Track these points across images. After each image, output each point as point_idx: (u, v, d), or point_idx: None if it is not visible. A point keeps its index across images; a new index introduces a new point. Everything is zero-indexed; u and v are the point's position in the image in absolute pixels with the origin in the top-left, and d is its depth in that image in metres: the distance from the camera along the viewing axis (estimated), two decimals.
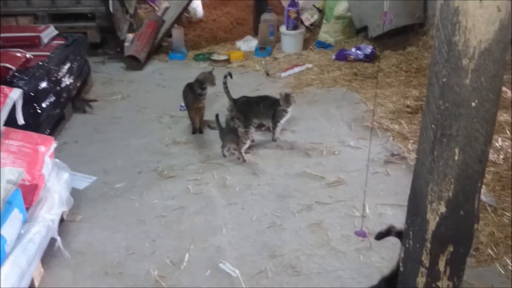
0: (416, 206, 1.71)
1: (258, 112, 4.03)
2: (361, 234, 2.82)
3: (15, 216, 2.23)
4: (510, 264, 2.61)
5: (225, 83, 4.09)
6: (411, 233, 1.74)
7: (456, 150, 1.57)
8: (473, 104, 1.53)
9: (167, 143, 4.04)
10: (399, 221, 3.02)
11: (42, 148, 2.77)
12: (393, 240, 2.80)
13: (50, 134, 3.98)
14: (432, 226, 1.65)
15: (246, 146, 3.71)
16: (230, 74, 4.18)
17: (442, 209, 1.62)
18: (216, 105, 4.35)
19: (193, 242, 2.90)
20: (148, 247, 2.88)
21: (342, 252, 2.80)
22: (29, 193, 2.47)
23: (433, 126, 1.59)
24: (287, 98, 3.85)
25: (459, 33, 1.48)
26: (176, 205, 3.24)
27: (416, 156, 1.75)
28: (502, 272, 2.59)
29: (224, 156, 3.79)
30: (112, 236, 2.97)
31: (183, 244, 2.89)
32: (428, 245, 1.67)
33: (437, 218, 1.63)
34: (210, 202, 3.27)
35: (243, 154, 3.71)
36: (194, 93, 4.06)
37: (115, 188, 3.44)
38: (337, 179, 3.49)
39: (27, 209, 2.46)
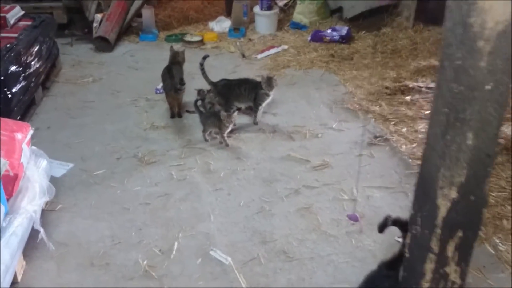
0: (425, 192, 1.68)
1: (239, 95, 3.94)
2: (353, 218, 2.81)
3: None
4: (500, 244, 2.65)
5: (202, 65, 3.97)
6: (419, 219, 1.72)
7: (469, 134, 1.54)
8: (488, 87, 1.50)
9: (145, 127, 3.90)
10: (387, 203, 3.05)
11: (18, 136, 2.61)
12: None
13: (21, 120, 3.78)
14: (442, 212, 1.63)
15: (229, 129, 3.63)
16: (206, 57, 4.03)
17: (454, 194, 1.60)
18: (193, 87, 4.21)
19: (181, 230, 2.82)
20: (134, 236, 2.78)
21: (333, 236, 2.77)
22: (9, 184, 2.33)
23: (445, 109, 1.55)
24: (270, 81, 3.78)
25: (475, 14, 1.44)
26: (160, 192, 3.14)
27: (425, 140, 1.71)
28: (492, 252, 2.62)
29: (206, 140, 3.69)
30: (96, 225, 2.85)
31: (171, 232, 2.80)
32: (438, 231, 1.65)
33: (448, 204, 1.61)
34: (195, 188, 3.18)
35: (226, 138, 3.63)
36: (172, 79, 3.92)
37: (94, 175, 3.30)
38: (322, 162, 3.46)
39: (7, 200, 2.31)
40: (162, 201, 3.06)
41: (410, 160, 3.47)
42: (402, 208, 2.99)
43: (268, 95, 3.86)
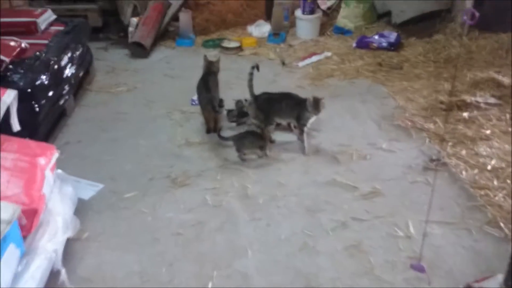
0: None
1: (280, 111, 3.63)
2: (418, 268, 2.45)
3: (11, 252, 1.87)
4: None
5: (251, 75, 3.66)
6: None
7: None
8: None
9: (180, 143, 3.65)
10: (449, 242, 2.69)
11: (42, 161, 2.39)
12: (446, 268, 2.48)
13: (50, 132, 3.61)
14: None
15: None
16: (257, 67, 3.72)
17: None
18: (230, 97, 3.94)
19: (216, 267, 2.55)
20: (165, 273, 2.53)
21: (388, 282, 2.45)
22: (27, 219, 2.10)
23: None
24: (317, 104, 3.41)
25: None
26: (193, 220, 2.88)
27: None
28: None
29: (243, 160, 3.40)
30: (123, 258, 2.62)
31: (204, 270, 2.54)
32: None
33: None
34: (231, 216, 2.91)
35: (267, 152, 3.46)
36: (208, 91, 3.65)
37: (125, 198, 3.07)
38: (372, 189, 3.12)
39: (24, 237, 2.09)
40: (196, 231, 2.80)
41: (472, 190, 3.09)
42: (466, 249, 2.64)
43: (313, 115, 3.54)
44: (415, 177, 3.24)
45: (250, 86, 3.64)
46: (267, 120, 3.62)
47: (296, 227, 2.82)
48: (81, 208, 2.94)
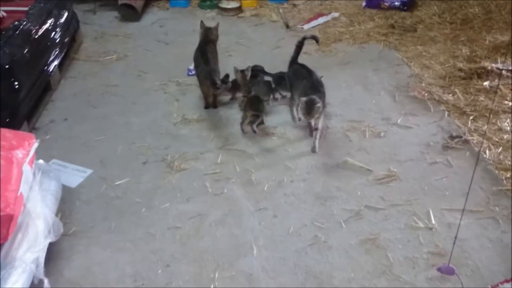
0: None
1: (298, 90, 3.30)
2: (448, 271, 2.19)
3: None
4: None
5: (301, 44, 3.46)
6: None
7: None
8: None
9: (176, 121, 3.34)
10: (474, 234, 2.44)
11: (18, 154, 2.09)
12: (472, 265, 2.23)
13: (33, 110, 3.28)
14: None
15: None
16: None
17: None
18: (229, 65, 3.59)
19: (218, 268, 2.30)
20: (161, 275, 2.28)
21: (409, 283, 2.21)
22: (2, 227, 1.82)
23: None
24: (309, 108, 2.90)
25: None
26: (192, 212, 2.61)
27: None
28: None
29: (244, 131, 3.11)
30: (115, 259, 2.36)
31: (205, 271, 2.29)
32: None
33: None
34: (234, 206, 2.64)
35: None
36: (206, 63, 3.30)
37: (116, 186, 2.79)
38: (388, 172, 2.84)
39: (0, 245, 1.81)
40: (195, 224, 2.53)
41: (497, 172, 2.81)
42: (493, 242, 2.39)
43: None
44: (434, 157, 2.95)
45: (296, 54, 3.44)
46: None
47: (305, 218, 2.56)
48: (67, 198, 2.67)
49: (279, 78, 3.50)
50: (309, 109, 2.86)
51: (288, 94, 3.42)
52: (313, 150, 3.01)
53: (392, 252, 2.34)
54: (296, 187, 2.76)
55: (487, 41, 4.16)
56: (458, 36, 4.31)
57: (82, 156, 3.02)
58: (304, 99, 2.86)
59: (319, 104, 2.85)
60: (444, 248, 2.34)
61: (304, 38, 3.43)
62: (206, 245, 2.42)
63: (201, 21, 3.62)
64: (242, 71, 3.30)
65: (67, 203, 2.66)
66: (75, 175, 2.87)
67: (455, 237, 2.14)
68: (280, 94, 3.49)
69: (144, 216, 2.59)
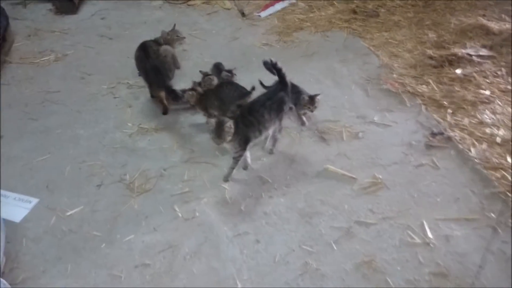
0: None
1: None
2: None
3: None
4: None
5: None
6: None
7: None
8: None
9: (131, 131, 2.95)
10: (473, 247, 2.24)
11: None
12: (477, 284, 2.03)
13: None
14: None
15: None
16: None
17: None
18: (186, 61, 3.22)
19: None
20: None
21: None
22: None
23: None
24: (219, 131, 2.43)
25: None
26: (162, 243, 2.27)
27: None
28: None
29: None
30: None
31: None
32: None
33: None
34: (209, 233, 2.32)
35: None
36: (157, 74, 2.94)
37: (68, 217, 2.40)
38: (373, 179, 2.60)
39: None
40: (166, 258, 2.20)
41: (486, 172, 2.63)
42: (495, 255, 2.21)
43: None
44: (419, 159, 2.74)
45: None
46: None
47: (291, 241, 2.28)
48: (11, 236, 2.27)
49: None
50: (219, 131, 2.37)
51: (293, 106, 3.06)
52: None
53: (392, 276, 2.11)
54: (277, 203, 2.47)
55: (452, 24, 4.01)
56: (422, 19, 4.13)
57: (24, 182, 2.59)
58: (214, 120, 2.39)
59: (229, 124, 2.36)
60: (446, 266, 2.14)
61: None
62: (182, 283, 2.10)
63: (162, 31, 3.22)
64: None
65: (11, 242, 2.26)
66: (18, 207, 2.45)
67: None
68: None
69: (105, 254, 2.22)
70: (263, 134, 2.58)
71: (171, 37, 3.25)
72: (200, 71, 3.00)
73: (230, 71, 3.13)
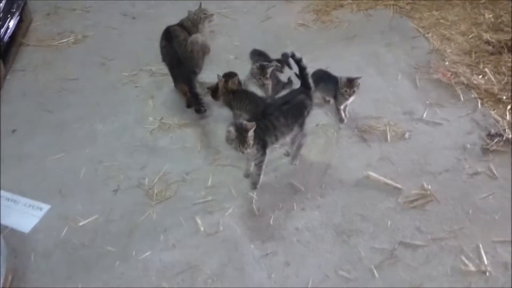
0: None
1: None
2: None
3: None
4: None
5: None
6: None
7: None
8: None
9: (152, 127, 2.71)
10: None
11: None
12: None
13: None
14: None
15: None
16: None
17: None
18: (213, 47, 2.93)
19: None
20: None
21: None
22: None
23: None
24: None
25: None
26: (181, 263, 2.05)
27: None
28: None
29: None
30: None
31: None
32: None
33: None
34: (234, 251, 2.08)
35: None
36: (179, 66, 2.66)
37: (81, 228, 2.19)
38: (421, 190, 2.29)
39: None
40: (186, 282, 1.98)
41: None
42: None
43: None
44: (474, 166, 2.41)
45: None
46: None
47: (327, 266, 2.01)
48: (20, 249, 2.10)
49: (319, 78, 2.64)
50: (242, 137, 2.07)
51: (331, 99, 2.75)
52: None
53: None
54: (310, 217, 2.19)
55: None
56: None
57: (36, 185, 2.39)
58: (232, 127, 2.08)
59: (253, 130, 2.07)
60: None
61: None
62: None
63: (189, 11, 2.90)
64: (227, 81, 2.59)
65: (19, 257, 2.07)
66: (28, 214, 2.26)
67: None
68: (324, 99, 2.82)
69: (119, 274, 2.01)
70: (280, 140, 2.27)
71: (198, 17, 2.92)
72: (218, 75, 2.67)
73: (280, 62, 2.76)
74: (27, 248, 2.11)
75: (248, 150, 2.10)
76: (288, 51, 2.29)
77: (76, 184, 2.39)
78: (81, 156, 2.53)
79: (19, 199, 2.32)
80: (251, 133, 2.05)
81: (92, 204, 2.29)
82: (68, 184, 2.39)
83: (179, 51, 2.68)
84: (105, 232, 2.16)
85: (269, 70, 2.56)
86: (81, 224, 2.20)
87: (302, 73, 2.31)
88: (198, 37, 2.76)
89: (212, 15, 3.02)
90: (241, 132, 2.03)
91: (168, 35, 2.73)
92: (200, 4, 3.01)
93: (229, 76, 2.68)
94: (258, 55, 2.88)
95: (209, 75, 2.95)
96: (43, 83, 3.04)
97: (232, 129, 2.04)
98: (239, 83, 2.72)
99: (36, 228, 2.20)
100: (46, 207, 2.28)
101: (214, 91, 2.70)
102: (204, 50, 2.78)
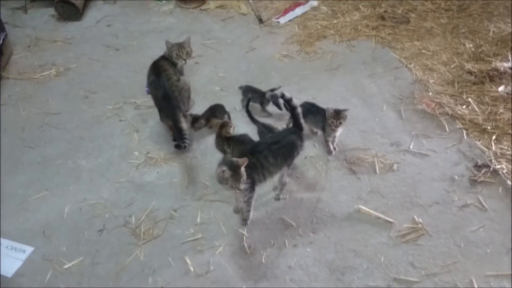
0: None
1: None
2: None
3: None
4: None
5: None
6: None
7: None
8: None
9: (138, 162, 2.65)
10: None
11: None
12: None
13: None
14: None
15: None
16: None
17: None
18: (197, 77, 2.91)
19: None
20: None
21: None
22: None
23: None
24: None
25: None
26: None
27: None
28: None
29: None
30: None
31: None
32: None
33: None
34: None
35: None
36: (168, 102, 2.64)
37: (66, 270, 2.11)
38: (412, 224, 2.28)
39: None
40: None
41: None
42: None
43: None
44: (463, 198, 2.41)
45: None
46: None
47: None
48: None
49: (306, 110, 2.62)
50: (236, 175, 2.02)
51: (319, 131, 2.74)
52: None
53: None
54: (302, 254, 2.16)
55: (491, 32, 3.65)
56: (457, 26, 3.76)
57: (18, 225, 2.31)
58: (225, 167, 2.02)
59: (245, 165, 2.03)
60: None
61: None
62: None
63: (166, 41, 2.84)
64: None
65: None
66: (10, 257, 2.17)
67: None
68: (311, 131, 2.81)
69: None
70: (267, 179, 2.24)
71: (170, 54, 2.84)
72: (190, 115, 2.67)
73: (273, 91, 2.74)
74: None
75: (242, 186, 2.06)
76: (278, 91, 2.28)
77: (60, 224, 2.31)
78: (65, 194, 2.46)
79: (1, 241, 2.23)
80: (243, 169, 2.02)
81: (77, 245, 2.21)
82: (51, 224, 2.31)
83: (167, 85, 2.64)
84: (92, 275, 2.09)
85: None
86: (66, 267, 2.12)
87: (293, 113, 2.30)
88: (186, 81, 2.77)
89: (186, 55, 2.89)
90: (234, 169, 2.00)
91: (157, 70, 2.70)
92: (188, 37, 2.94)
93: (219, 113, 2.70)
94: (253, 91, 2.88)
95: (195, 108, 2.93)
96: (24, 118, 2.97)
97: (226, 168, 1.99)
98: (228, 115, 2.73)
99: (19, 272, 2.11)
100: (29, 249, 2.20)
101: (194, 120, 2.74)
102: (189, 92, 2.78)
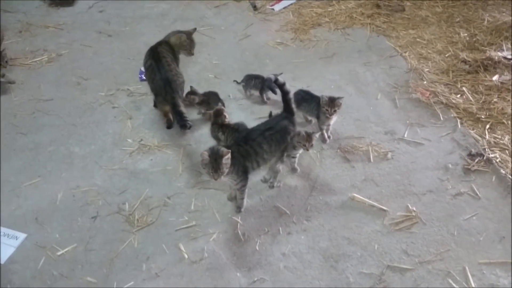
0: None
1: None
2: None
3: None
4: None
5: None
6: None
7: None
8: None
9: (131, 149, 2.63)
10: None
11: None
12: None
13: None
14: None
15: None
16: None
17: None
18: (192, 70, 2.89)
19: None
20: None
21: None
22: None
23: None
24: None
25: None
26: None
27: None
28: None
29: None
30: None
31: None
32: None
33: None
34: (220, 279, 2.02)
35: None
36: (167, 84, 2.60)
37: (59, 257, 2.09)
38: (406, 212, 2.29)
39: None
40: None
41: None
42: None
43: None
44: (457, 186, 2.42)
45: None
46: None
47: None
48: None
49: (301, 98, 2.66)
50: (216, 164, 1.99)
51: (314, 119, 2.73)
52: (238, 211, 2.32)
53: None
54: (296, 242, 2.16)
55: (486, 21, 3.64)
56: (452, 15, 3.76)
57: (11, 212, 2.29)
58: (207, 152, 1.99)
59: (228, 155, 2.00)
60: None
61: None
62: None
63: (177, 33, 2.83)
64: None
65: None
66: (3, 244, 2.16)
67: None
68: (306, 119, 2.80)
69: None
70: (261, 166, 2.23)
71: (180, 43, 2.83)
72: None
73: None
74: (3, 280, 2.01)
75: (222, 178, 2.03)
76: (272, 75, 2.26)
77: (53, 211, 2.29)
78: (58, 180, 2.44)
79: None
80: (225, 161, 1.98)
81: (70, 232, 2.20)
82: (44, 211, 2.29)
83: (167, 69, 2.61)
84: (85, 262, 2.08)
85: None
86: (59, 253, 2.11)
87: (285, 98, 2.29)
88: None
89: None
90: (215, 158, 1.97)
91: (156, 55, 2.66)
92: (194, 29, 2.92)
93: (212, 100, 2.69)
94: (255, 78, 2.86)
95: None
96: (16, 104, 2.93)
97: (206, 153, 1.97)
98: (222, 103, 2.72)
99: (12, 258, 2.09)
100: (22, 235, 2.18)
101: (190, 92, 2.77)
102: (183, 79, 2.78)
